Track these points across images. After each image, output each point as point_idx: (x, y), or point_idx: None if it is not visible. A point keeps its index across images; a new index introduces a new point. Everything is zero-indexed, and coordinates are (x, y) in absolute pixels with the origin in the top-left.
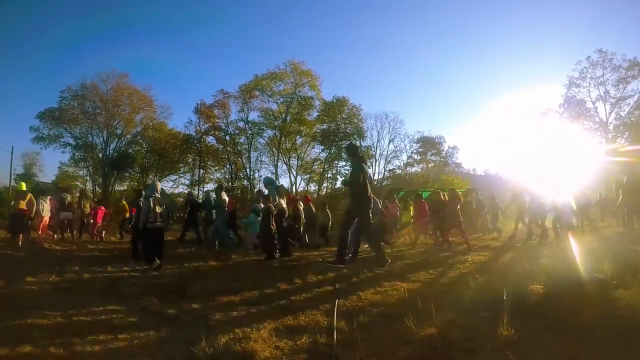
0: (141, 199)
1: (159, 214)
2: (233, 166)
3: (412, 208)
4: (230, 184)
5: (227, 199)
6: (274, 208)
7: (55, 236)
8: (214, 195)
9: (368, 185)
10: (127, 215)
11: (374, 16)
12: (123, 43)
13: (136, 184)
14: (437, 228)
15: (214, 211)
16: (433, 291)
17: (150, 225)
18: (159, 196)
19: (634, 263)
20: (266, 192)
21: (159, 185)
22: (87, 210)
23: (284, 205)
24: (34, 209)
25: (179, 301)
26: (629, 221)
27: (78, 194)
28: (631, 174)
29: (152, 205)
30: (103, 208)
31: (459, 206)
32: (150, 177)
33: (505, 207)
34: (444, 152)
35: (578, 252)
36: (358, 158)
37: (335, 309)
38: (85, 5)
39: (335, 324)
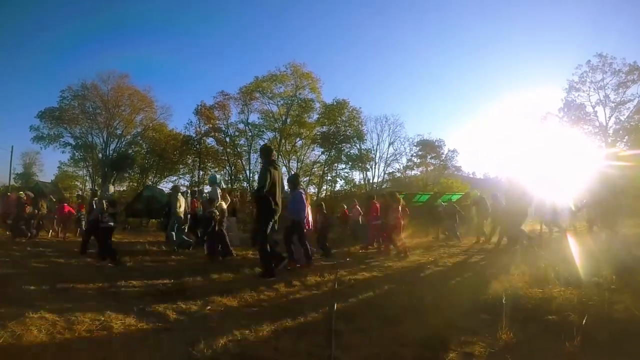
0: (95, 198)
1: (111, 214)
2: (233, 168)
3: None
4: (229, 185)
5: (183, 200)
6: (217, 211)
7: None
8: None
9: (277, 191)
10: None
11: (374, 16)
12: (123, 43)
13: (135, 184)
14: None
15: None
16: (432, 294)
17: (102, 224)
18: (112, 198)
19: (633, 267)
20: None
21: (112, 188)
22: (44, 210)
23: (224, 207)
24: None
25: (178, 302)
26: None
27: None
28: (621, 177)
29: (105, 206)
30: (65, 205)
31: (400, 209)
32: (150, 177)
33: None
34: (443, 156)
35: (573, 256)
36: (269, 162)
37: (334, 311)
38: (85, 5)
39: (333, 326)
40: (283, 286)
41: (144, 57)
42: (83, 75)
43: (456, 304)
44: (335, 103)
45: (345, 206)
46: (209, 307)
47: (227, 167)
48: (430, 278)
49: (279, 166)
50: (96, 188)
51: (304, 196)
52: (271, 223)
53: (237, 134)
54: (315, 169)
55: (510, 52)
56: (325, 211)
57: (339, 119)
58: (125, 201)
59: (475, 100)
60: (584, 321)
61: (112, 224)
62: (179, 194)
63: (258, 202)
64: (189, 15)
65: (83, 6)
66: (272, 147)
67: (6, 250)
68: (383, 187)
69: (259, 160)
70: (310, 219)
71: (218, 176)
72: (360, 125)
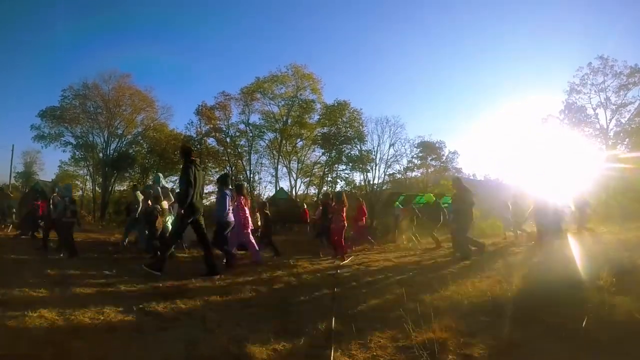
0: (54, 194)
1: (72, 211)
2: (233, 168)
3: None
4: (229, 186)
5: (141, 198)
6: (160, 209)
7: None
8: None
9: (197, 190)
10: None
11: (375, 20)
12: (124, 43)
13: (136, 184)
14: (323, 232)
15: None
16: (431, 295)
17: (65, 219)
18: (72, 196)
19: (633, 270)
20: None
21: (72, 187)
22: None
23: (165, 206)
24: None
25: (177, 302)
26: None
27: None
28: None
29: (66, 203)
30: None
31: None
32: (151, 177)
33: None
34: (444, 157)
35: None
36: (189, 162)
37: (333, 312)
38: (86, 5)
39: (333, 327)
40: (282, 287)
41: (145, 57)
42: (84, 75)
43: (455, 305)
44: (336, 104)
45: (306, 205)
46: (208, 307)
47: (228, 168)
48: (430, 279)
49: (200, 166)
50: (56, 186)
51: (228, 197)
52: (188, 222)
53: (237, 134)
54: (316, 170)
55: (511, 54)
56: (268, 212)
57: (340, 120)
58: (126, 201)
59: (476, 102)
60: (584, 323)
61: (73, 220)
62: (138, 192)
63: (178, 201)
64: (191, 17)
65: (84, 6)
66: (192, 147)
67: (7, 249)
68: (384, 188)
69: (259, 160)
70: (248, 218)
71: (161, 175)
72: (361, 127)
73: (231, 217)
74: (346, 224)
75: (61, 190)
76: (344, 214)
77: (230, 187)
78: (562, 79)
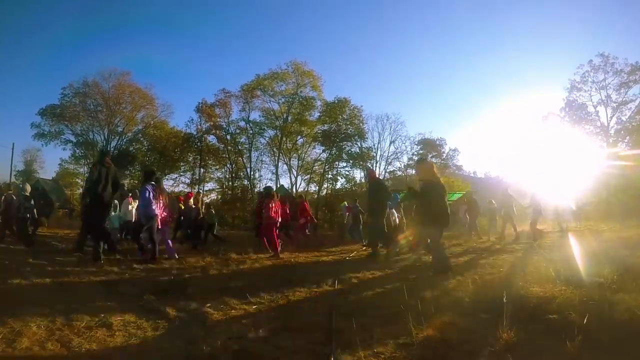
0: (9, 191)
1: (26, 208)
2: (234, 165)
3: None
4: (230, 183)
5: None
6: None
7: None
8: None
9: (104, 186)
10: None
11: (376, 19)
12: (125, 41)
13: (136, 182)
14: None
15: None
16: (432, 292)
17: (20, 215)
18: (28, 194)
19: (634, 268)
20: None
21: (29, 187)
22: None
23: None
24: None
25: (178, 299)
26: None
27: None
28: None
29: (22, 200)
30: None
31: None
32: None
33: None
34: (444, 155)
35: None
36: (99, 162)
37: (334, 309)
38: (87, 4)
39: (334, 324)
40: (283, 284)
41: (146, 55)
42: (84, 73)
43: (456, 303)
44: (336, 101)
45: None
46: (208, 305)
47: (228, 165)
48: (430, 277)
49: (110, 165)
50: (11, 184)
51: (148, 192)
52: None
53: (238, 131)
54: (317, 167)
55: (512, 52)
56: (212, 210)
57: (340, 117)
58: None
59: (477, 100)
60: (585, 321)
61: (28, 215)
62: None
63: (90, 198)
64: (191, 15)
65: (85, 5)
66: (107, 151)
67: (7, 246)
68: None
69: (259, 158)
70: (164, 213)
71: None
72: (361, 124)
73: (151, 211)
74: (276, 220)
75: (18, 188)
76: (277, 211)
77: (152, 182)
78: (563, 77)
